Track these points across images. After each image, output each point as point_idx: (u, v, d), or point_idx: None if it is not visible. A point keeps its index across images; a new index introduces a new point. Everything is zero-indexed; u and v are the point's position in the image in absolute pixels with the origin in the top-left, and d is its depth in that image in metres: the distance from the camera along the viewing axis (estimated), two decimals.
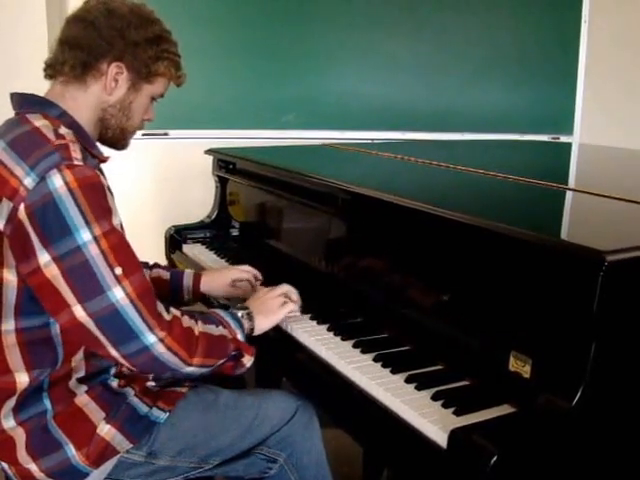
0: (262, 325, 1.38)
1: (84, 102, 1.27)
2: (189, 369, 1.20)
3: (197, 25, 3.00)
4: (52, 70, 1.28)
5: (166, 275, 1.63)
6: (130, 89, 1.29)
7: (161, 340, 1.14)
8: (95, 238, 1.10)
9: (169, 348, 1.15)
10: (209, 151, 2.28)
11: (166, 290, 1.61)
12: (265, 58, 3.19)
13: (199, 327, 1.22)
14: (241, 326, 1.32)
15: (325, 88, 3.30)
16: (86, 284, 1.10)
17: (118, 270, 1.11)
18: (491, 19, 3.51)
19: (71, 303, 1.09)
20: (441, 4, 3.42)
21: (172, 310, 1.21)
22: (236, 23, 3.14)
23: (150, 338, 1.13)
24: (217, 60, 3.10)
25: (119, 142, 1.36)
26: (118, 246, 1.13)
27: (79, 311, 1.10)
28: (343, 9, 3.27)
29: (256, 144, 2.82)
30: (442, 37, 3.44)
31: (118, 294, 1.11)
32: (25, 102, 1.25)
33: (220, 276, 1.65)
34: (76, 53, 1.24)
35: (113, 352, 1.13)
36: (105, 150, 1.35)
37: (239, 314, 1.34)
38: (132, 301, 1.12)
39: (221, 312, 1.33)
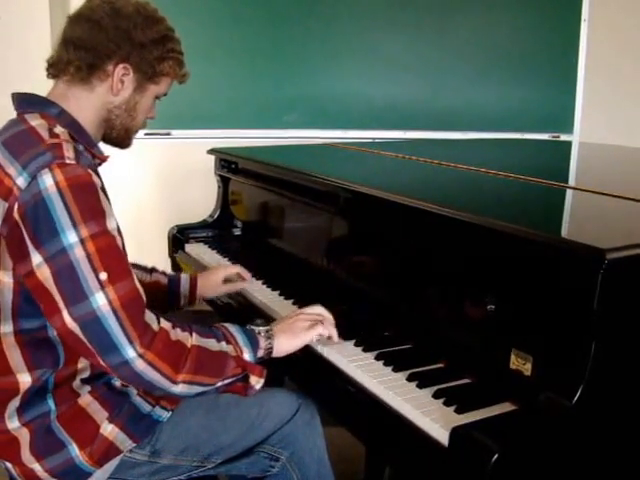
0: (283, 346, 1.28)
1: (88, 103, 1.26)
2: (177, 388, 1.12)
3: (199, 25, 3.01)
4: (55, 70, 1.26)
5: (164, 280, 1.64)
6: (136, 90, 1.28)
7: (140, 356, 1.07)
8: (81, 240, 1.06)
9: (150, 364, 1.08)
10: (211, 151, 2.29)
11: (163, 295, 1.61)
12: (267, 58, 3.20)
13: (192, 340, 1.15)
14: (253, 344, 1.24)
15: (327, 88, 3.31)
16: (71, 288, 1.06)
17: (103, 275, 1.07)
18: (492, 19, 3.52)
19: (61, 307, 1.07)
20: (442, 4, 3.42)
21: (162, 322, 1.14)
22: (238, 23, 3.15)
23: (129, 352, 1.07)
24: (219, 60, 3.11)
25: (124, 141, 1.36)
26: (106, 250, 1.09)
27: (67, 316, 1.07)
28: (345, 9, 3.28)
29: (258, 144, 2.82)
30: (443, 37, 3.45)
31: (100, 300, 1.06)
32: (24, 102, 1.24)
33: (210, 276, 1.67)
34: (81, 54, 1.22)
35: (101, 362, 1.09)
36: (106, 149, 1.34)
37: (256, 330, 1.27)
38: (114, 310, 1.07)
39: (231, 327, 1.25)
